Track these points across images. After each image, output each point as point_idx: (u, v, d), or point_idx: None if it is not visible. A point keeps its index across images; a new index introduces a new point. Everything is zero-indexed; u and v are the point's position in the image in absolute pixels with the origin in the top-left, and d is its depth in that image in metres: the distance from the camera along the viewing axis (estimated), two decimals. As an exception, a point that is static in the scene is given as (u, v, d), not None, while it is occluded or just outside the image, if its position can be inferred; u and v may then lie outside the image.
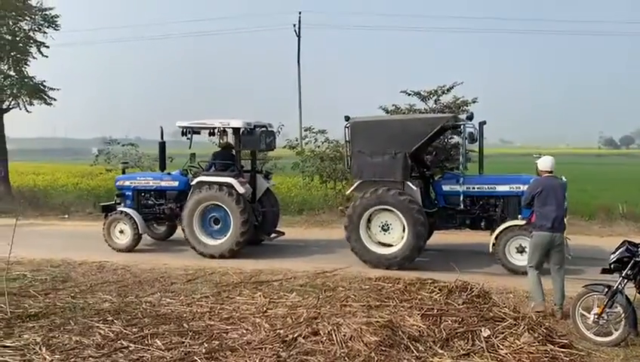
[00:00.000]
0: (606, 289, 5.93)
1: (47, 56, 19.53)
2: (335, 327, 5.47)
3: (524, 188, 9.36)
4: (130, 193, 11.76)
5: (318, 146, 16.99)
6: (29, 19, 19.29)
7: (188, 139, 11.21)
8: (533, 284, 6.92)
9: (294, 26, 27.55)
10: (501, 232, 9.11)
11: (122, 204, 11.76)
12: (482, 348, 5.26)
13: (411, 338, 5.36)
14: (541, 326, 5.60)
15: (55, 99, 19.80)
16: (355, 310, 6.17)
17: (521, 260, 8.93)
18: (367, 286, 7.34)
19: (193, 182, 10.87)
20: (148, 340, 5.66)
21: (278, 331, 5.73)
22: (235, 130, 10.92)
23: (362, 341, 5.23)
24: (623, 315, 5.80)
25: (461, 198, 9.70)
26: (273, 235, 11.70)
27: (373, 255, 9.61)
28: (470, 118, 9.63)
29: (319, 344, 5.30)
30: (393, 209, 9.43)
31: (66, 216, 16.92)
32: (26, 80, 19.17)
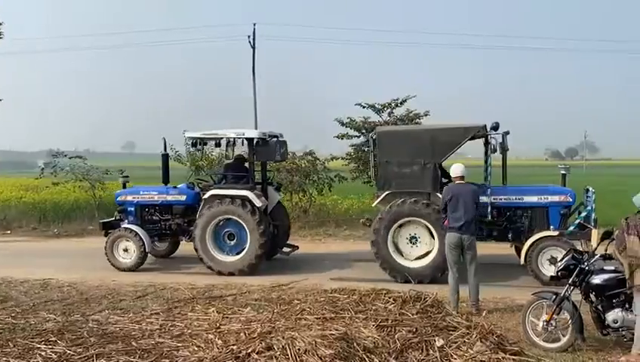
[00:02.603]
0: (554, 297, 6.10)
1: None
2: (289, 341, 5.36)
3: (552, 198, 9.48)
4: (132, 208, 11.18)
5: (275, 158, 16.87)
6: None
7: (198, 150, 10.89)
8: (451, 290, 7.55)
9: (249, 37, 27.52)
10: (533, 243, 9.00)
11: (125, 221, 11.17)
12: (436, 358, 5.27)
13: (366, 349, 5.31)
14: (493, 335, 5.66)
15: (-3, 111, 18.94)
16: (310, 323, 6.08)
17: (553, 271, 8.95)
18: (323, 299, 7.25)
19: (205, 196, 10.40)
20: (93, 361, 5.40)
21: (230, 347, 5.56)
22: (249, 141, 10.54)
23: (317, 354, 5.14)
24: (570, 321, 5.98)
25: (489, 210, 9.41)
26: (287, 249, 11.35)
27: (401, 269, 9.34)
28: (495, 128, 9.38)
29: (273, 359, 5.18)
30: (423, 221, 9.22)
31: (9, 231, 16.14)
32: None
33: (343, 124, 16.06)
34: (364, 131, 16.03)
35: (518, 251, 10.00)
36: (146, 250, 10.63)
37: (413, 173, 9.32)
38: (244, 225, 10.08)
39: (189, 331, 6.32)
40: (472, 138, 9.64)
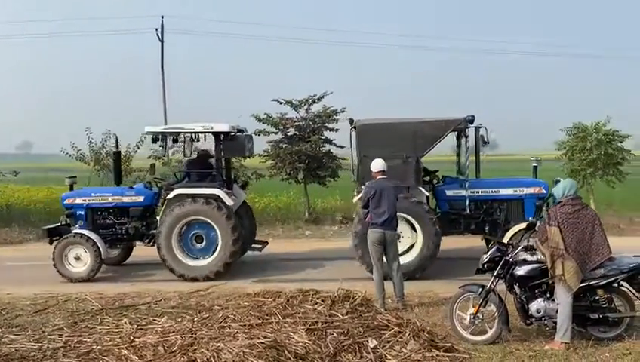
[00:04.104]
0: (480, 289, 6.13)
1: None
2: (215, 353, 4.95)
3: (527, 190, 9.57)
4: (82, 212, 10.07)
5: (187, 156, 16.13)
6: None
7: (160, 146, 9.95)
8: (377, 286, 7.49)
9: (156, 30, 26.30)
10: (513, 236, 8.84)
11: (77, 226, 9.96)
12: (370, 359, 5.10)
13: (298, 356, 5.01)
14: (424, 332, 5.58)
15: None
16: (235, 331, 5.66)
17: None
18: (247, 303, 6.86)
19: (169, 196, 9.51)
20: (-17, 390, 4.69)
21: (148, 363, 5.07)
22: (217, 135, 9.74)
23: (245, 365, 4.78)
24: (496, 313, 6.03)
25: (467, 203, 9.40)
26: (259, 246, 10.70)
27: (384, 266, 9.01)
28: (471, 121, 9.31)
29: (197, 374, 4.76)
30: (404, 215, 8.85)
31: None
32: None
33: (259, 120, 15.67)
34: (281, 127, 15.74)
35: (488, 244, 10.14)
36: (102, 257, 9.69)
37: (394, 168, 8.91)
38: (214, 225, 9.44)
39: (99, 347, 5.72)
40: (454, 131, 9.64)
